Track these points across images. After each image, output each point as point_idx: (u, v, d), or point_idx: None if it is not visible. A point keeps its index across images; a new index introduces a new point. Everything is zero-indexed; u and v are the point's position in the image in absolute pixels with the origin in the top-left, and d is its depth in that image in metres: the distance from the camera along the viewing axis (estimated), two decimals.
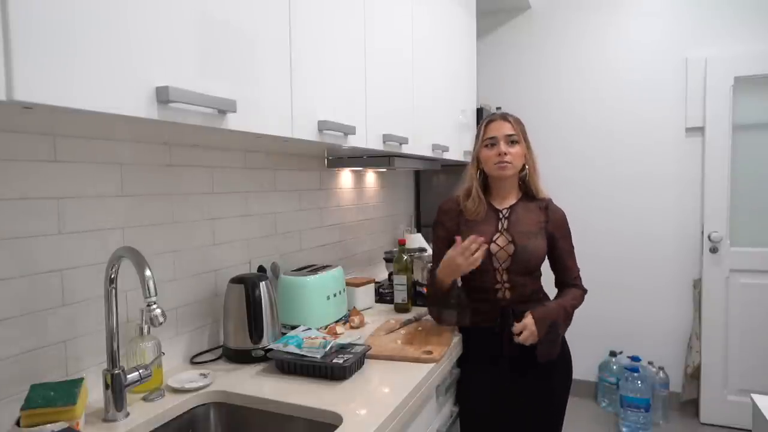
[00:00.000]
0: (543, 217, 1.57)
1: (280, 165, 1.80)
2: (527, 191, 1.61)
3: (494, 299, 1.54)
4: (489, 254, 1.50)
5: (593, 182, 3.15)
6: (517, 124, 1.57)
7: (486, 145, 1.56)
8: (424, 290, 1.96)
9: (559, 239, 1.58)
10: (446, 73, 2.28)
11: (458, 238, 1.44)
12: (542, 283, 1.62)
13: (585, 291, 1.62)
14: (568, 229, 1.62)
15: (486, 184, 1.63)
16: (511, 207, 1.58)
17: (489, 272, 1.53)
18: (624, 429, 2.79)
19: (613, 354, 3.08)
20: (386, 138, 1.65)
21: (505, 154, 1.52)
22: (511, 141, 1.53)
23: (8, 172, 0.99)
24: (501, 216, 1.57)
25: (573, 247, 1.62)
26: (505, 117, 1.57)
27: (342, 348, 1.34)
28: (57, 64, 0.69)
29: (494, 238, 1.53)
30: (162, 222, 1.33)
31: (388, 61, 1.70)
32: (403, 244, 1.97)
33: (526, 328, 1.45)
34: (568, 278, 1.61)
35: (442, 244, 1.60)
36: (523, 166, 1.58)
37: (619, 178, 3.10)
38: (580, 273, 1.63)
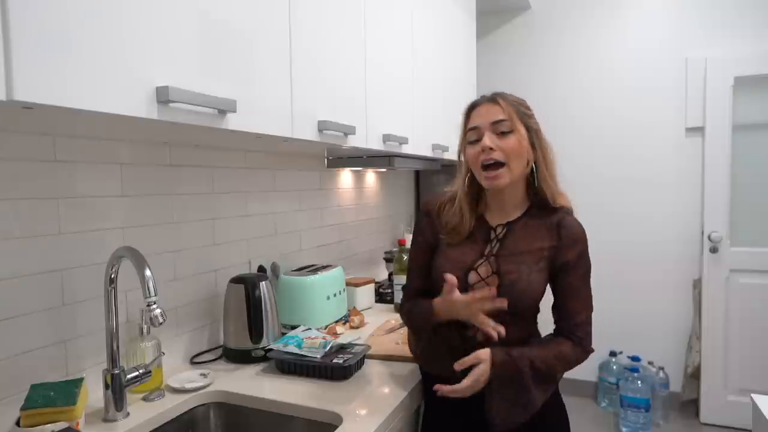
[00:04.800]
0: (551, 241, 1.13)
1: (280, 165, 1.80)
2: (539, 199, 1.17)
3: (468, 336, 1.13)
4: (466, 286, 1.13)
5: (592, 182, 3.14)
6: (513, 105, 1.12)
7: (470, 141, 1.14)
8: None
9: (569, 270, 1.13)
10: (446, 73, 2.28)
11: (450, 279, 1.09)
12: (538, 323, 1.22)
13: (585, 349, 1.15)
14: (585, 256, 1.15)
15: (481, 191, 1.20)
16: (509, 224, 1.16)
17: None
18: (624, 429, 2.79)
19: (613, 354, 3.08)
20: (386, 138, 1.65)
21: (491, 149, 1.09)
22: (502, 130, 1.10)
23: (8, 172, 0.99)
24: (493, 236, 1.16)
25: (587, 283, 1.16)
26: (494, 98, 1.13)
27: (342, 348, 1.34)
28: (57, 64, 0.69)
29: (475, 265, 1.14)
30: (162, 222, 1.33)
31: (388, 61, 1.70)
32: (403, 244, 1.97)
33: (472, 376, 1.06)
34: (566, 325, 1.14)
35: (419, 253, 1.24)
36: (535, 164, 1.15)
37: (619, 178, 3.10)
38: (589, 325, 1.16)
